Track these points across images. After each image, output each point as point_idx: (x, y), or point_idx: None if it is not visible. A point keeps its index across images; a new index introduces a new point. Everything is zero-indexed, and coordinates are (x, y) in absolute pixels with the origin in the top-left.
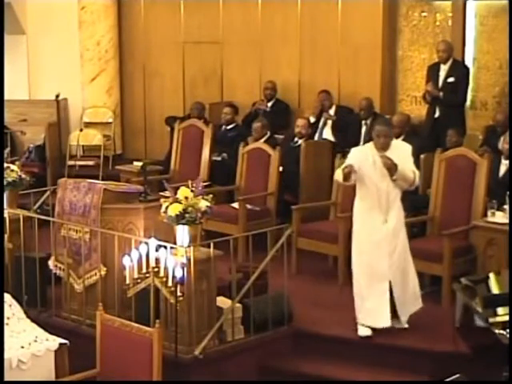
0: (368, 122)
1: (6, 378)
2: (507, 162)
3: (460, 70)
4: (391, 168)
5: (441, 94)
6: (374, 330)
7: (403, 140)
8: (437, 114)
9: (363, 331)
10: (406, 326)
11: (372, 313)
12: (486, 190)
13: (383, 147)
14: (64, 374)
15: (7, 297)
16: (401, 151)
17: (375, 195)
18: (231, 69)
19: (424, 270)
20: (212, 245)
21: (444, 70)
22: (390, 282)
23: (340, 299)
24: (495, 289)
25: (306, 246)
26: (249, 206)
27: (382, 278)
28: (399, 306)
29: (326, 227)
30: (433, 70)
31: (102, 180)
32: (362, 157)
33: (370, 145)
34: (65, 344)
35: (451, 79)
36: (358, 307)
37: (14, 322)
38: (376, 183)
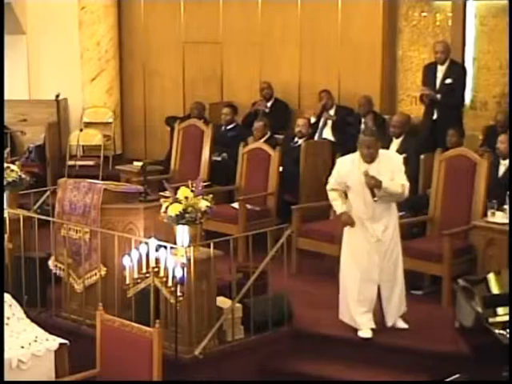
0: (367, 119)
1: (6, 378)
2: (506, 161)
3: (458, 72)
4: (374, 188)
5: (438, 96)
6: (373, 330)
7: (403, 140)
8: (435, 116)
9: (364, 333)
10: (406, 326)
11: (360, 316)
12: (486, 190)
13: (367, 158)
14: (64, 374)
15: (7, 297)
16: (391, 163)
17: (362, 205)
18: (231, 69)
19: (424, 270)
20: (212, 245)
21: (441, 71)
22: (379, 287)
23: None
24: (495, 289)
25: (306, 246)
26: (249, 206)
27: (371, 284)
28: (386, 311)
29: (326, 227)
30: (429, 71)
31: (102, 180)
32: (349, 167)
33: (358, 154)
34: (65, 344)
35: (449, 80)
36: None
37: (13, 322)
38: (362, 195)
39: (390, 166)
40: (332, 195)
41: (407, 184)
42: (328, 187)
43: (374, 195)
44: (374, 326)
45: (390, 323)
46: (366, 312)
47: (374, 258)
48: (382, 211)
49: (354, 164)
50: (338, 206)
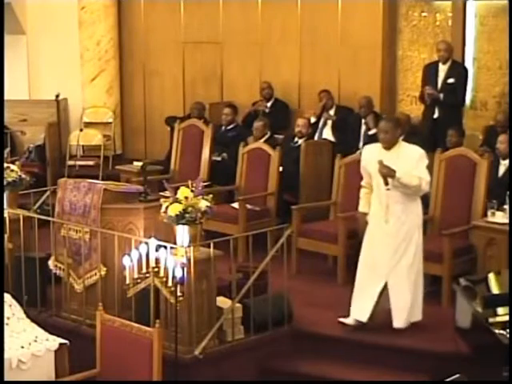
0: (368, 120)
1: (6, 378)
2: (506, 161)
3: (459, 71)
4: (387, 176)
5: (441, 95)
6: (363, 324)
7: (403, 140)
8: (436, 115)
9: (345, 319)
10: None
11: (354, 303)
12: (486, 190)
13: (383, 143)
14: (64, 374)
15: (7, 297)
16: (410, 155)
17: (379, 194)
18: (231, 69)
19: (424, 270)
20: (212, 245)
21: (443, 70)
22: (387, 284)
23: (340, 299)
24: (495, 289)
25: (306, 246)
26: (249, 206)
27: (377, 276)
28: (393, 311)
29: (326, 227)
30: (430, 70)
31: (102, 180)
32: (369, 156)
33: (379, 144)
34: (65, 344)
35: (451, 80)
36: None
37: (13, 322)
38: (379, 183)
39: (409, 158)
40: (361, 192)
41: (426, 178)
42: (362, 182)
43: (386, 183)
44: (363, 320)
45: (395, 324)
46: (363, 301)
47: (382, 251)
48: (395, 204)
49: (375, 152)
50: (360, 204)
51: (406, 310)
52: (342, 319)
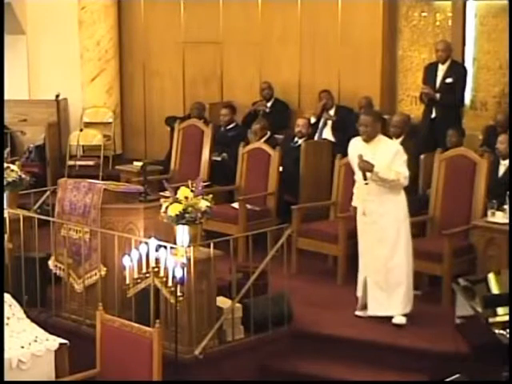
0: None
1: (6, 378)
2: (506, 161)
3: (458, 71)
4: (365, 171)
5: (437, 95)
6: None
7: (403, 140)
8: (433, 115)
9: (363, 312)
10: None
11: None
12: (486, 190)
13: (364, 137)
14: (64, 374)
15: (7, 297)
16: (386, 150)
17: (359, 186)
18: (231, 69)
19: (424, 270)
20: (212, 245)
21: (442, 70)
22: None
23: (340, 299)
24: (495, 289)
25: (306, 246)
26: (249, 206)
27: (361, 268)
28: (369, 302)
29: (326, 227)
30: (430, 70)
31: (102, 180)
32: (352, 149)
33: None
34: (65, 344)
35: (449, 80)
36: None
37: (13, 322)
38: (358, 176)
39: (386, 152)
40: (354, 186)
41: (404, 173)
42: (354, 176)
43: (365, 178)
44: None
45: (368, 312)
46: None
47: (364, 244)
48: (372, 197)
49: (356, 146)
50: (353, 199)
51: (377, 301)
52: (357, 312)
